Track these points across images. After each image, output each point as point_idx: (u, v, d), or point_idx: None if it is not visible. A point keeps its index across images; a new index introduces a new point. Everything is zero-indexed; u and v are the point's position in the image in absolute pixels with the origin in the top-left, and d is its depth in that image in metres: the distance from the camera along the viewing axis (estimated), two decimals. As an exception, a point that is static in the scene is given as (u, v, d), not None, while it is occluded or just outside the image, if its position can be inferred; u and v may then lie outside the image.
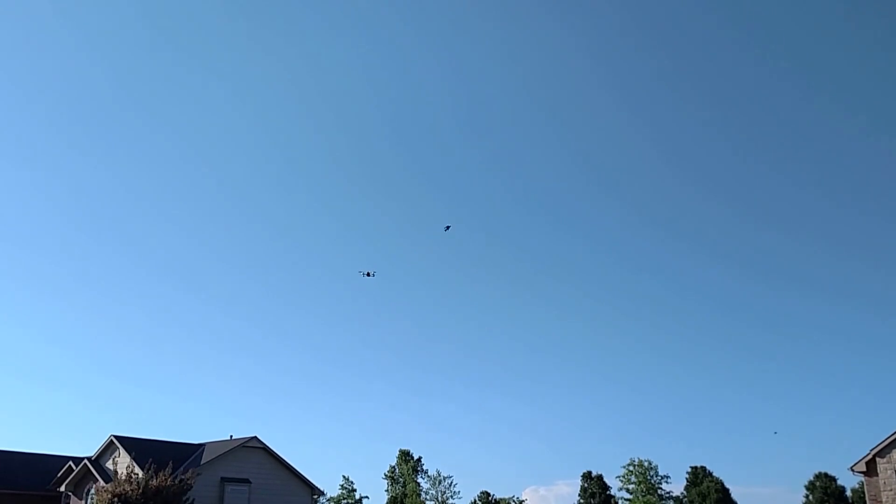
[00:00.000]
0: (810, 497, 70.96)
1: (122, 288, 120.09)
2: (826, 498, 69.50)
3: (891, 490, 34.29)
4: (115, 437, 44.07)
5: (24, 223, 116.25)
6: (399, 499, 77.98)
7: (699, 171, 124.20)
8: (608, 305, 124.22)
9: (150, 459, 37.59)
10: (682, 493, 75.06)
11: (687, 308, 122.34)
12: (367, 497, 79.74)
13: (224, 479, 42.65)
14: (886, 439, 34.85)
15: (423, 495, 77.51)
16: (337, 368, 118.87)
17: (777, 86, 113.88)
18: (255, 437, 44.84)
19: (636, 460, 74.39)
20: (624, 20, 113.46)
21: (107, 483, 38.54)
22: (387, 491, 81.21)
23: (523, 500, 77.88)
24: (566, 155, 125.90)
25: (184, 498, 36.28)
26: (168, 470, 36.31)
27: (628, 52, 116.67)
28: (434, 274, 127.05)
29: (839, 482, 70.10)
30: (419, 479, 79.74)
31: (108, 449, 44.75)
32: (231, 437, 46.43)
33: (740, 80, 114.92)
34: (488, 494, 79.29)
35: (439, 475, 78.57)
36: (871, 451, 35.45)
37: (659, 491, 73.14)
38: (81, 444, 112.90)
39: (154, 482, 35.05)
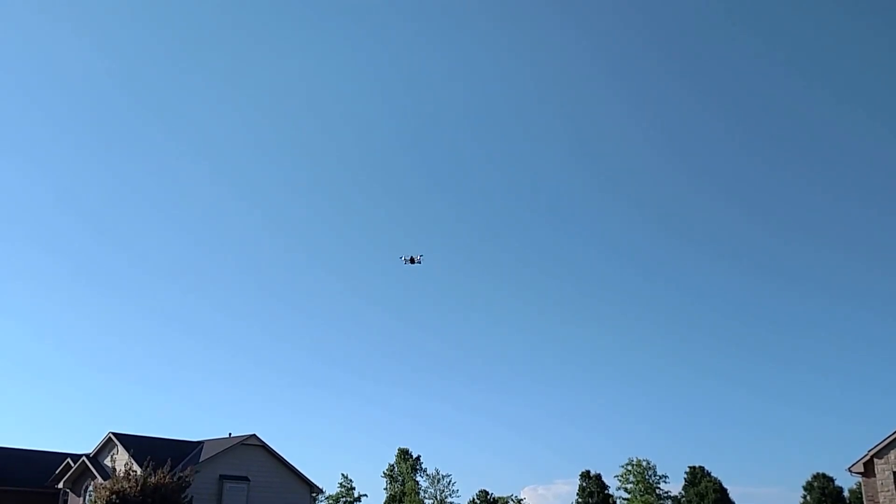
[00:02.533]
0: (808, 497, 70.94)
1: (122, 288, 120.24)
2: (823, 498, 69.49)
3: (888, 491, 34.33)
4: (114, 434, 44.15)
5: (23, 223, 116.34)
6: (398, 497, 78.02)
7: (704, 171, 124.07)
8: (607, 305, 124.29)
9: (149, 457, 37.58)
10: (680, 493, 75.04)
11: (686, 308, 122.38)
12: (365, 495, 79.69)
13: (223, 477, 42.71)
14: (884, 440, 34.88)
15: (422, 494, 77.54)
16: (336, 367, 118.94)
17: (783, 86, 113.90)
18: (254, 435, 44.91)
19: (635, 460, 74.31)
20: (630, 19, 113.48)
21: (105, 480, 38.51)
22: (385, 489, 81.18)
23: (522, 499, 78.06)
24: (571, 154, 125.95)
25: (182, 495, 36.24)
26: (167, 467, 36.24)
27: (635, 51, 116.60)
28: (433, 272, 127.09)
29: (837, 483, 70.13)
30: (418, 478, 79.71)
31: (107, 446, 44.81)
32: (230, 434, 46.47)
33: (746, 80, 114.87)
34: (487, 493, 79.21)
35: (438, 473, 78.58)
36: (869, 451, 35.48)
37: (657, 490, 73.08)
38: (80, 442, 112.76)
39: (152, 479, 35.00)
